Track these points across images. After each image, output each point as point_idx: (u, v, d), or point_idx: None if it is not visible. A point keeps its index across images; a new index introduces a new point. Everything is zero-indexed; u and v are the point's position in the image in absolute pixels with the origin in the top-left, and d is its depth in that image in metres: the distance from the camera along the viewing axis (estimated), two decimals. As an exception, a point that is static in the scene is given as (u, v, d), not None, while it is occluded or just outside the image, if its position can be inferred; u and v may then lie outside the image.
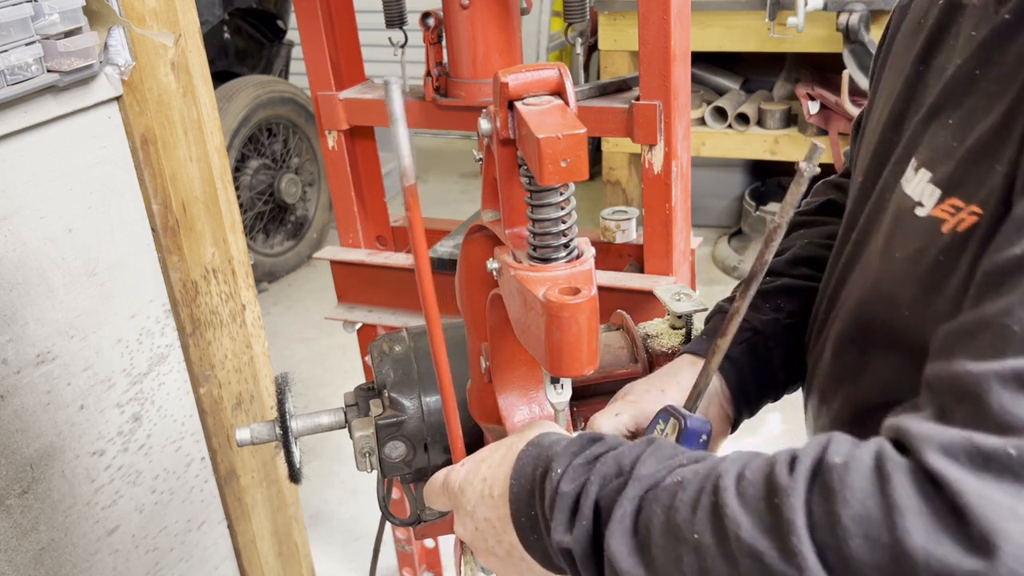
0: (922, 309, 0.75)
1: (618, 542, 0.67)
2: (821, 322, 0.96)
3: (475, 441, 1.07)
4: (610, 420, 0.91)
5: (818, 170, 0.70)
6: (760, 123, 4.23)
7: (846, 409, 0.90)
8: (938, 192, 0.75)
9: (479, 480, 0.83)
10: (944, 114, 0.79)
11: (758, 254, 0.74)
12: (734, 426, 1.07)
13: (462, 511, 0.85)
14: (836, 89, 3.76)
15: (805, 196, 1.21)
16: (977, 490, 0.54)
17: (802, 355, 1.09)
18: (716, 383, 1.03)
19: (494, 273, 0.85)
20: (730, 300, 1.13)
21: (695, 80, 4.35)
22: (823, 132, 3.96)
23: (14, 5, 1.29)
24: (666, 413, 0.80)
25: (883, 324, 0.81)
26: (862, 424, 0.90)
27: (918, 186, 0.78)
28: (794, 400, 1.10)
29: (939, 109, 0.80)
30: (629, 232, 1.97)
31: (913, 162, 0.81)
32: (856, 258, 0.91)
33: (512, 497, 0.77)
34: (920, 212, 0.76)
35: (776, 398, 1.11)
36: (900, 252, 0.79)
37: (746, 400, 1.05)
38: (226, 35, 4.59)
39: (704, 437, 0.77)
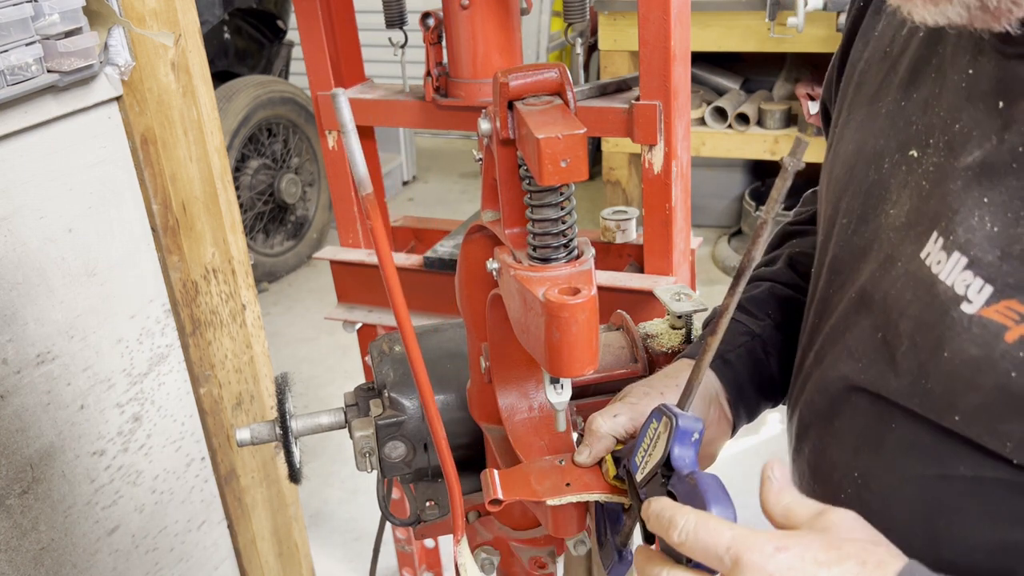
0: (990, 421, 0.70)
1: None
2: (813, 344, 0.94)
3: (475, 441, 1.07)
4: (609, 421, 0.91)
5: (803, 165, 0.69)
6: (760, 123, 4.24)
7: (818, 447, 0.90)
8: (989, 289, 0.70)
9: None
10: (976, 187, 0.73)
11: (746, 251, 0.74)
12: (734, 429, 1.07)
13: None
14: (836, 89, 3.75)
15: (794, 196, 1.21)
16: None
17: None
18: (717, 386, 1.03)
19: (494, 273, 0.85)
20: None
21: (695, 80, 4.35)
22: (823, 132, 3.96)
23: (14, 5, 1.29)
24: (659, 412, 0.80)
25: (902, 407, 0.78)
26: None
27: (955, 273, 0.72)
28: (794, 400, 1.10)
29: (965, 178, 0.74)
30: (629, 232, 1.97)
31: (937, 237, 0.75)
32: (849, 307, 0.86)
33: None
34: (967, 309, 0.71)
35: (775, 403, 1.11)
36: (949, 351, 0.72)
37: (745, 404, 1.05)
38: (226, 35, 4.59)
39: (696, 436, 0.77)
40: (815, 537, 0.67)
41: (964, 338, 0.71)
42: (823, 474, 0.91)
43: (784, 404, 1.13)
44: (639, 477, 0.81)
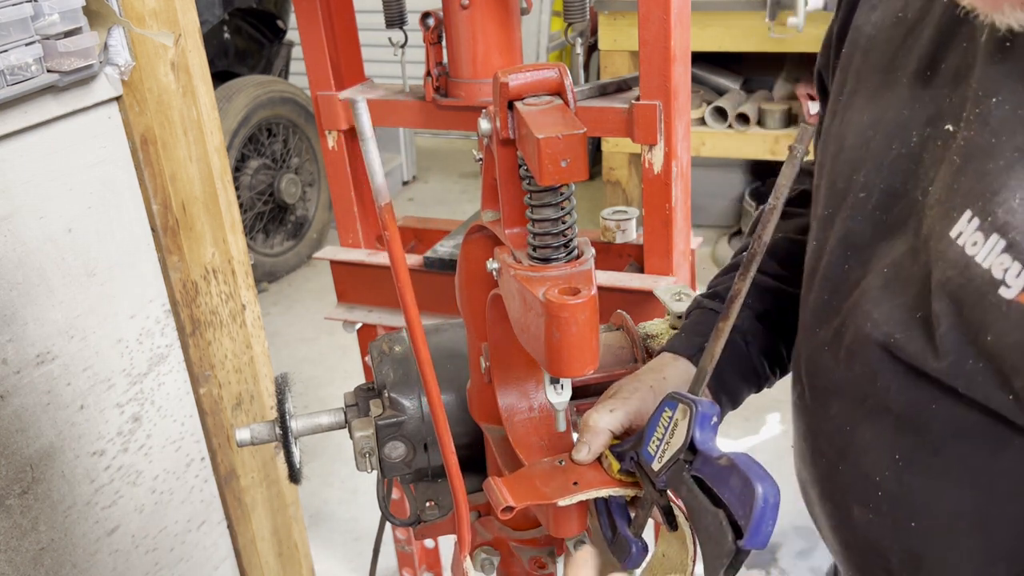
0: None
1: None
2: (829, 321, 0.91)
3: (475, 441, 1.07)
4: (606, 416, 0.90)
5: (810, 153, 0.68)
6: (760, 123, 4.24)
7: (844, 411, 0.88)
8: None
9: None
10: (1021, 167, 0.70)
11: (755, 236, 0.73)
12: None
13: None
14: (836, 89, 3.75)
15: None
16: None
17: (781, 346, 1.09)
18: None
19: (494, 273, 0.85)
20: (708, 296, 1.13)
21: (695, 80, 4.35)
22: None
23: (14, 5, 1.29)
24: (672, 400, 0.80)
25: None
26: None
27: (991, 257, 0.71)
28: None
29: (1008, 158, 0.72)
30: (629, 232, 1.97)
31: (972, 217, 0.73)
32: (876, 282, 0.84)
33: None
34: (1006, 294, 0.69)
35: (758, 389, 1.10)
36: (992, 335, 0.71)
37: (726, 392, 1.05)
38: (226, 35, 4.59)
39: (715, 420, 0.77)
40: None
41: (1005, 323, 0.70)
42: (852, 457, 0.89)
43: (768, 387, 1.12)
44: (656, 466, 0.81)
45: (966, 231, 0.73)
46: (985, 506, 0.79)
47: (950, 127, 0.79)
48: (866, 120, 0.89)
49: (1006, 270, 0.70)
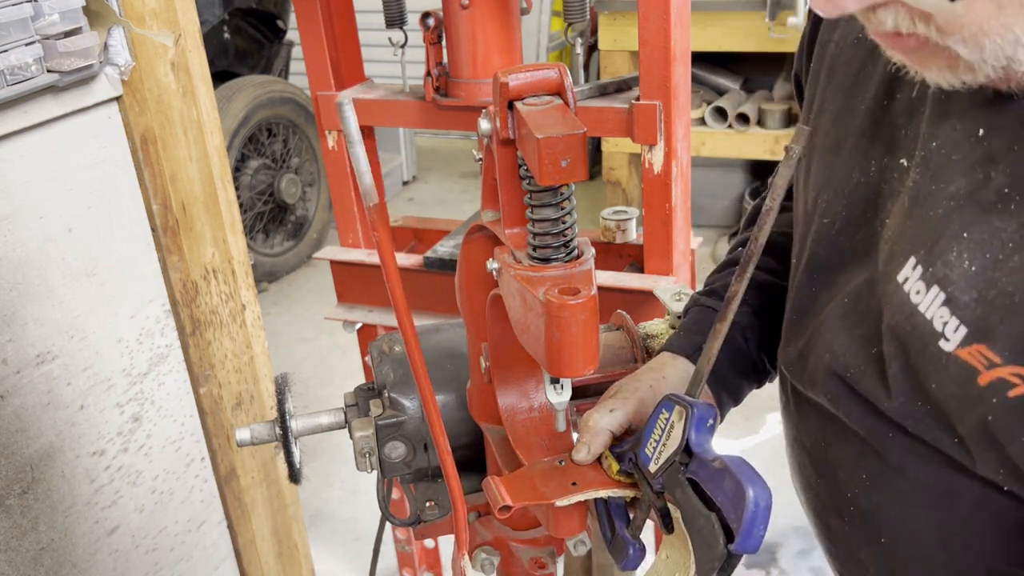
0: (980, 452, 0.71)
1: None
2: (796, 340, 0.93)
3: (475, 441, 1.07)
4: (605, 417, 0.91)
5: (806, 152, 0.69)
6: (760, 123, 4.24)
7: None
8: (963, 330, 0.69)
9: None
10: (957, 219, 0.71)
11: (751, 237, 0.73)
12: (721, 416, 1.07)
13: None
14: (836, 89, 3.76)
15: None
16: None
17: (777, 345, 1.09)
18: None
19: (494, 273, 0.85)
20: (705, 293, 1.13)
21: (695, 80, 4.35)
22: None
23: (14, 5, 1.29)
24: (670, 402, 0.80)
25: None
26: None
27: (932, 308, 0.71)
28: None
29: (946, 207, 0.72)
30: (629, 232, 1.97)
31: (916, 264, 0.74)
32: (836, 311, 0.85)
33: None
34: (945, 346, 0.71)
35: (759, 384, 1.11)
36: (935, 383, 0.73)
37: (727, 390, 1.05)
38: (226, 35, 4.59)
39: (711, 421, 0.77)
40: None
41: (944, 375, 0.72)
42: (828, 472, 0.91)
43: (769, 382, 1.13)
44: (653, 468, 0.81)
45: (911, 278, 0.74)
46: (947, 525, 0.80)
47: (904, 161, 0.80)
48: (828, 144, 0.90)
49: (945, 323, 0.71)
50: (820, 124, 0.92)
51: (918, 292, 0.73)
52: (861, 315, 0.82)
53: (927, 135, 0.76)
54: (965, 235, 0.70)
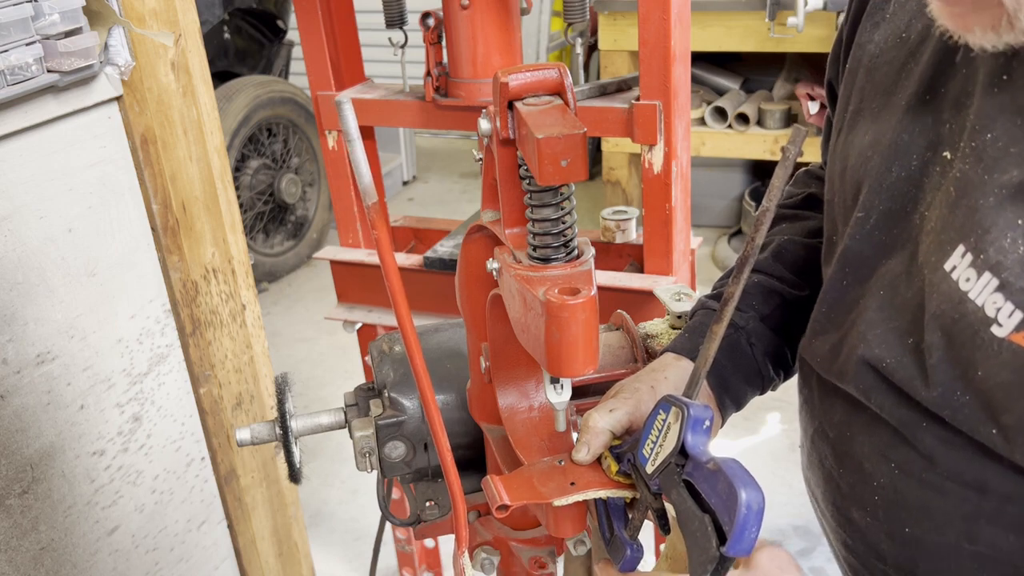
0: (1015, 435, 0.72)
1: None
2: (828, 334, 0.93)
3: (475, 441, 1.07)
4: (606, 417, 0.91)
5: (803, 153, 0.69)
6: (760, 123, 4.24)
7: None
8: (1019, 315, 0.70)
9: None
10: (1011, 208, 0.71)
11: (747, 240, 0.74)
12: (723, 420, 1.07)
13: None
14: (836, 89, 3.75)
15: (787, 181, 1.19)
16: None
17: (786, 349, 1.09)
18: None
19: (494, 273, 0.85)
20: (713, 297, 1.13)
21: (695, 80, 4.35)
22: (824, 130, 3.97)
23: (14, 5, 1.29)
24: (666, 403, 0.80)
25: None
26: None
27: (984, 294, 0.72)
28: (793, 400, 1.10)
29: (998, 195, 0.73)
30: (629, 232, 1.97)
31: (965, 252, 0.74)
32: (872, 303, 0.85)
33: None
34: (998, 332, 0.71)
35: (763, 391, 1.11)
36: (983, 371, 0.73)
37: (729, 395, 1.05)
38: (226, 35, 4.59)
39: (707, 423, 0.77)
40: None
41: (995, 361, 0.72)
42: (853, 463, 0.91)
43: (772, 390, 1.13)
44: (650, 469, 0.81)
45: (960, 266, 0.75)
46: (976, 516, 0.81)
47: (948, 154, 0.80)
48: (867, 141, 0.90)
49: (998, 309, 0.71)
50: (857, 123, 0.92)
51: (968, 280, 0.74)
52: (898, 308, 0.83)
53: (978, 128, 0.76)
54: (1020, 222, 0.71)
